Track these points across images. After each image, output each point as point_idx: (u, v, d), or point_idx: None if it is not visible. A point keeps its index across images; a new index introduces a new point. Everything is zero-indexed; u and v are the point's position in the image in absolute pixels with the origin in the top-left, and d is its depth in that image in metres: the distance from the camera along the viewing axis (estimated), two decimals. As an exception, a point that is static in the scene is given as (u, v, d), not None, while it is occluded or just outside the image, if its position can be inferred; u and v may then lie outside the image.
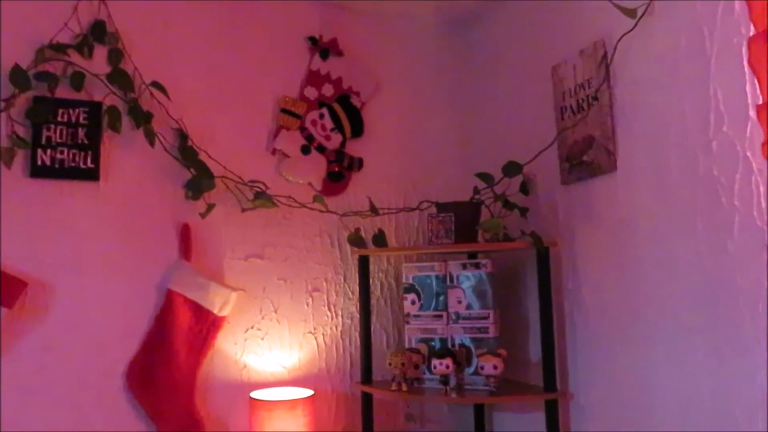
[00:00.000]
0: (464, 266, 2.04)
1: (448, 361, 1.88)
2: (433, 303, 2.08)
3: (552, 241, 1.93)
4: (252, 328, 2.10)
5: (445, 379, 1.91)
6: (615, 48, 1.71)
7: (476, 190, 2.08)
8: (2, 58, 1.84)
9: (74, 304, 1.89)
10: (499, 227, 1.91)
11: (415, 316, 2.08)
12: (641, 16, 1.62)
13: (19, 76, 1.82)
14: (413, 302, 2.09)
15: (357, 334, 2.22)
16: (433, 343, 2.06)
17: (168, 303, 1.97)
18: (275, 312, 2.14)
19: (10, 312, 1.79)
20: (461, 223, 1.99)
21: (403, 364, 1.93)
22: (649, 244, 1.64)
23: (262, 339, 2.11)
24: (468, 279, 2.04)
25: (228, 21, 2.17)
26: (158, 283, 1.99)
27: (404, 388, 1.94)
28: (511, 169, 1.98)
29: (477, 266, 2.03)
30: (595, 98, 1.78)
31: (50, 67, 1.89)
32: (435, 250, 2.01)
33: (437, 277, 2.08)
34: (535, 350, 2.05)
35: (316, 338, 2.18)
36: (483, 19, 2.40)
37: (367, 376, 2.10)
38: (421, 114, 2.43)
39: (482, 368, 1.87)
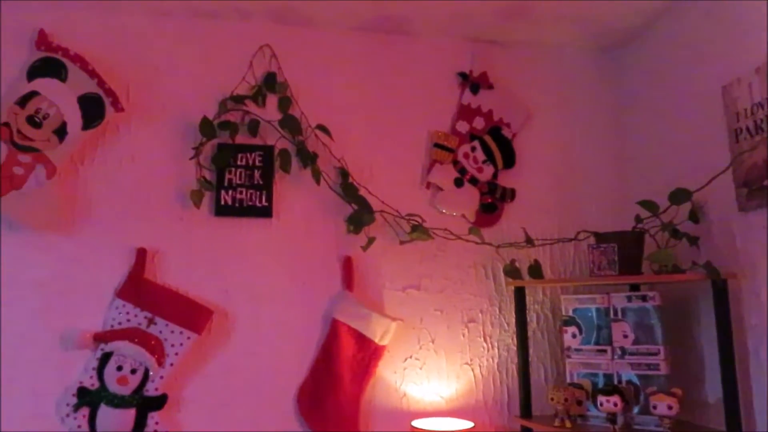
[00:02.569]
0: (629, 299, 1.96)
1: (616, 398, 1.80)
2: (594, 336, 2.01)
3: (730, 273, 1.79)
4: (410, 357, 2.15)
5: (612, 418, 1.83)
6: (800, 63, 1.58)
7: (638, 219, 1.99)
8: (192, 111, 2.09)
9: (251, 331, 2.06)
10: (669, 258, 1.81)
11: (577, 349, 2.02)
12: (832, 28, 1.49)
13: (206, 127, 2.05)
14: (574, 335, 2.03)
15: (514, 367, 2.20)
16: (595, 379, 1.98)
17: (333, 331, 2.08)
18: (432, 342, 2.18)
19: (199, 337, 1.99)
20: (624, 253, 1.91)
21: (566, 400, 1.88)
22: None
23: (420, 369, 2.15)
24: (633, 312, 1.95)
25: (383, 63, 2.29)
26: (324, 312, 2.11)
27: (568, 424, 1.88)
28: (680, 196, 1.88)
29: (643, 299, 1.93)
30: (777, 118, 1.65)
31: (231, 116, 2.12)
32: (598, 281, 1.94)
33: (598, 309, 2.01)
34: (712, 390, 1.90)
35: (472, 369, 2.18)
36: (637, 42, 2.32)
37: (526, 411, 2.06)
38: (574, 142, 2.39)
39: (654, 408, 1.76)
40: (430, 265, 2.21)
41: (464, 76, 2.32)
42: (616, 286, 2.08)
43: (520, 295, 2.13)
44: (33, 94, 1.95)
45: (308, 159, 2.12)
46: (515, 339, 2.17)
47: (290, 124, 2.13)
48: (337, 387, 2.04)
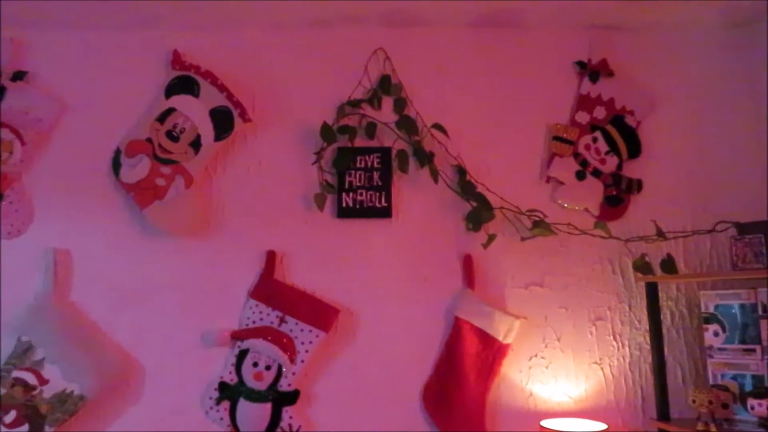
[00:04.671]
0: (780, 294, 1.80)
1: (769, 402, 1.66)
2: (739, 335, 1.87)
3: None
4: (536, 356, 2.11)
5: (765, 423, 1.69)
6: None
7: (787, 207, 1.83)
8: (312, 117, 2.16)
9: (375, 329, 2.11)
10: (829, 249, 1.65)
11: (720, 349, 1.89)
12: None
13: (327, 132, 2.12)
14: (716, 334, 1.89)
15: (647, 366, 2.09)
16: (743, 381, 1.84)
17: (456, 330, 2.08)
18: (558, 341, 2.12)
19: (327, 336, 2.06)
20: (773, 244, 1.76)
21: (710, 402, 1.77)
22: None
23: (547, 368, 2.10)
24: (784, 308, 1.79)
25: (496, 58, 2.26)
26: (446, 310, 2.11)
27: (713, 428, 1.76)
28: (838, 180, 1.70)
29: (798, 294, 1.77)
30: None
31: (349, 120, 2.17)
32: (742, 276, 1.80)
33: (743, 306, 1.87)
34: None
35: (602, 369, 2.10)
36: (778, 14, 2.13)
37: (663, 413, 1.96)
38: (707, 126, 2.23)
39: (816, 413, 1.61)
40: (553, 262, 2.15)
41: (582, 65, 2.24)
42: (761, 280, 1.92)
43: (652, 291, 2.02)
44: (170, 111, 2.11)
45: (425, 158, 2.13)
46: (648, 337, 2.07)
47: (406, 125, 2.15)
48: (462, 385, 2.04)
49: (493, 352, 2.06)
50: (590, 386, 2.09)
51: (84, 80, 2.18)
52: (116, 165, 2.10)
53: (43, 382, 1.95)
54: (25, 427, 1.92)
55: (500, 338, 2.05)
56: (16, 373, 1.95)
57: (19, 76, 2.13)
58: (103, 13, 2.12)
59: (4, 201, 2.09)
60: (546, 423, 1.94)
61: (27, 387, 1.94)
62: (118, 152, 2.11)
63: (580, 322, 2.13)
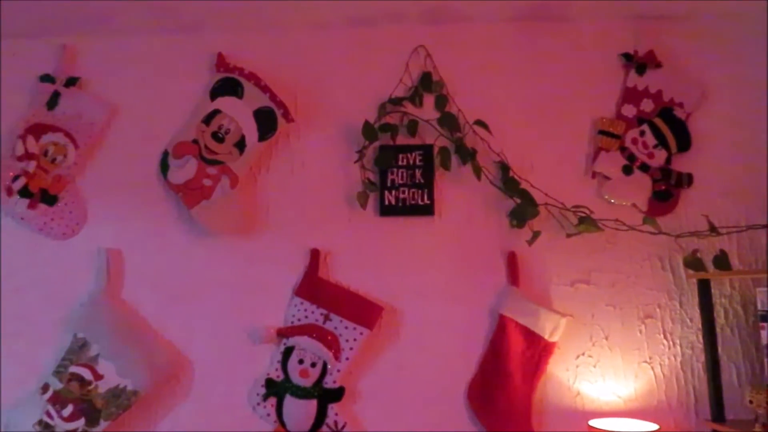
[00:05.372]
0: (843, 291, 1.73)
1: (832, 403, 1.59)
2: (798, 333, 1.80)
3: None
4: (583, 354, 2.07)
5: (828, 425, 1.62)
6: None
7: None
8: (354, 116, 2.18)
9: (419, 327, 2.10)
10: None
11: (778, 348, 1.82)
12: None
13: (368, 130, 2.13)
14: (774, 332, 1.83)
15: (699, 366, 2.03)
16: (803, 381, 1.77)
17: (501, 328, 2.06)
18: (606, 339, 2.07)
19: (371, 333, 2.07)
20: (834, 239, 1.69)
21: (768, 403, 1.70)
22: None
23: (594, 366, 2.06)
24: None
25: (539, 52, 2.23)
26: (490, 308, 2.10)
27: (771, 430, 1.71)
28: None
29: None
30: None
31: (390, 118, 2.17)
32: (801, 272, 1.74)
33: (802, 303, 1.80)
34: None
35: (652, 368, 2.05)
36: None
37: (718, 414, 1.90)
38: (760, 118, 2.14)
39: None
40: (600, 258, 2.11)
41: (628, 57, 2.18)
42: (822, 276, 1.85)
43: (704, 288, 1.96)
44: (216, 112, 2.15)
45: (467, 155, 2.11)
46: (700, 336, 2.01)
47: (448, 122, 2.14)
48: (507, 384, 2.02)
49: (539, 350, 2.03)
50: (640, 386, 2.04)
51: (133, 84, 2.25)
52: (164, 166, 2.15)
53: (98, 377, 2.02)
54: (82, 420, 1.99)
55: (546, 336, 2.02)
56: (72, 369, 2.02)
57: (72, 81, 2.21)
58: (150, 19, 2.18)
59: (60, 203, 2.17)
60: (594, 423, 1.90)
61: (83, 382, 2.01)
62: (166, 154, 2.16)
63: (629, 320, 2.08)
